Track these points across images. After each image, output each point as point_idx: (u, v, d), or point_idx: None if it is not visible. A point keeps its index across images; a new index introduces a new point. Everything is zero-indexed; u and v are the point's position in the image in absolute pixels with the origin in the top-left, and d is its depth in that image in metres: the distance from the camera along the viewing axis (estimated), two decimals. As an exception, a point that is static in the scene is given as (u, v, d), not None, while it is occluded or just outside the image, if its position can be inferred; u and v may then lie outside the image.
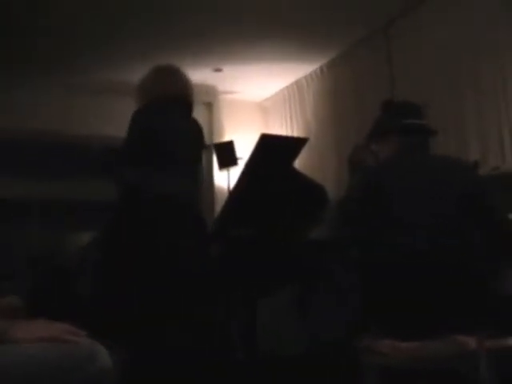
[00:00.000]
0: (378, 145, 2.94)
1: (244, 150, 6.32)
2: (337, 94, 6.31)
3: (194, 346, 3.99)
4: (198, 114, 7.20)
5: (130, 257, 3.20)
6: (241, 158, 6.56)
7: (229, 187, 6.66)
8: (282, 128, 7.16)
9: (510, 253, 2.47)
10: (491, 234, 2.44)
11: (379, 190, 2.60)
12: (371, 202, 2.61)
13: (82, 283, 4.27)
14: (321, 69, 6.53)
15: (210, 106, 7.41)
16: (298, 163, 4.93)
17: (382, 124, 2.89)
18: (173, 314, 3.36)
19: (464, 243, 2.36)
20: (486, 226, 2.45)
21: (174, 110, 3.38)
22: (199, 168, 3.52)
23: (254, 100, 7.51)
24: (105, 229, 3.43)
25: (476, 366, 2.05)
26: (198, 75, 6.63)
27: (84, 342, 1.61)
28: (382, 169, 2.81)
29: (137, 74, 6.09)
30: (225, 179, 6.95)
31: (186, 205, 3.30)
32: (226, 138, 7.09)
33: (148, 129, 3.27)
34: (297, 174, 4.55)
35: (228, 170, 6.89)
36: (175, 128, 3.34)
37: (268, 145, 4.26)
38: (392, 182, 2.59)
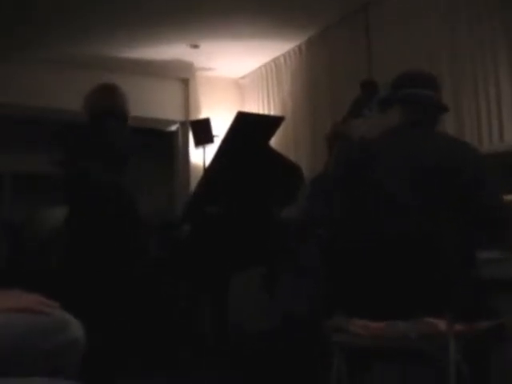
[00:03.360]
0: (378, 117, 2.83)
1: (220, 128, 6.29)
2: (314, 73, 6.28)
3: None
4: (175, 90, 7.26)
5: (86, 236, 3.71)
6: (217, 136, 6.53)
7: (204, 164, 6.63)
8: (258, 106, 7.13)
9: (492, 236, 2.43)
10: (473, 216, 2.38)
11: (363, 165, 2.51)
12: (353, 178, 2.53)
13: (52, 257, 4.45)
14: (299, 47, 6.49)
15: (186, 83, 7.35)
16: (273, 141, 4.91)
17: (384, 96, 2.72)
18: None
19: (438, 224, 2.33)
20: (471, 207, 2.37)
21: (111, 119, 3.96)
22: (130, 165, 4.05)
23: (231, 77, 7.45)
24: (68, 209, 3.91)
25: (444, 348, 2.07)
26: (175, 51, 6.57)
27: (56, 313, 1.61)
28: (367, 145, 2.65)
29: (112, 48, 6.03)
30: (200, 156, 6.92)
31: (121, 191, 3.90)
32: (203, 115, 7.05)
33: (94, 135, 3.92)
34: (273, 153, 4.54)
35: (204, 148, 6.86)
36: (111, 135, 3.93)
37: (244, 122, 4.26)
38: (376, 159, 2.48)
